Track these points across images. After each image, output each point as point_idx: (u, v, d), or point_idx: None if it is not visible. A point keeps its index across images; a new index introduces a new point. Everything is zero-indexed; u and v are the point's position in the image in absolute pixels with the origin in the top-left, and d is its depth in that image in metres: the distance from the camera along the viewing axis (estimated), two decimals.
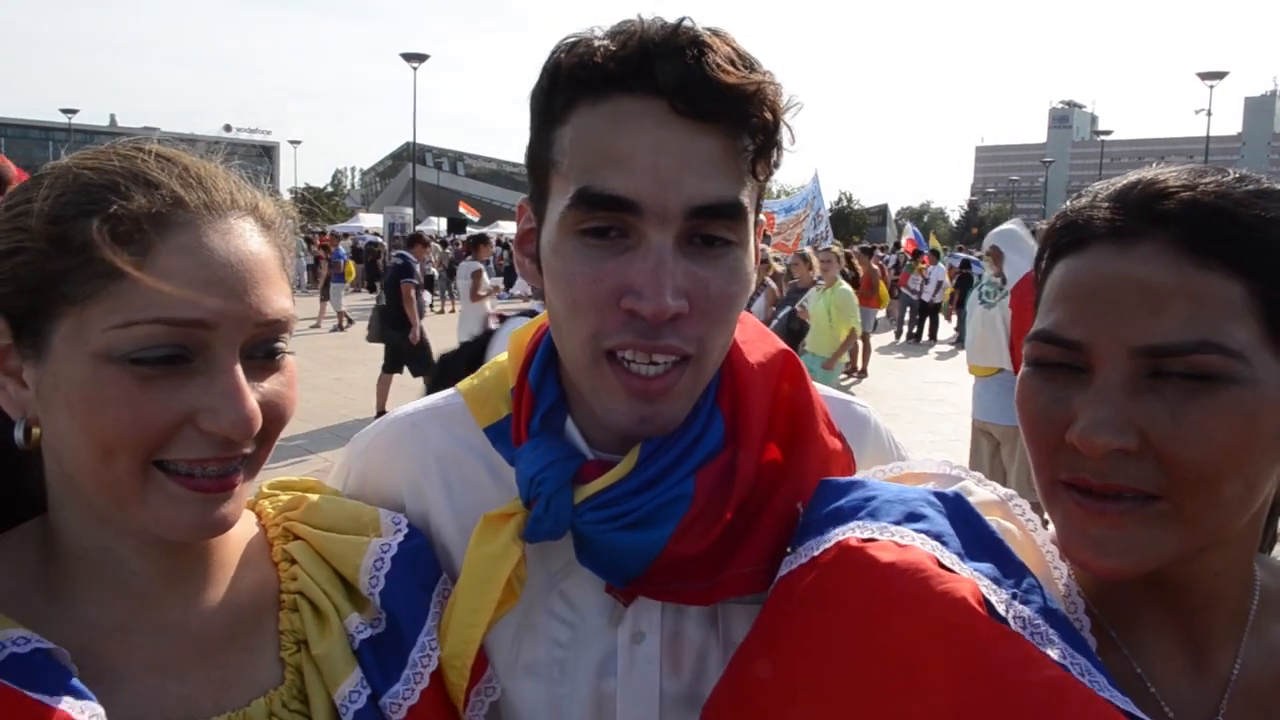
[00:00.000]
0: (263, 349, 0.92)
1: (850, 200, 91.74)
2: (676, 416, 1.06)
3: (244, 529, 1.08)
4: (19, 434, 0.91)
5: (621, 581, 1.08)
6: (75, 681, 0.84)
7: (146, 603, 0.96)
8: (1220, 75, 42.55)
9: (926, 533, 0.94)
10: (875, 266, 18.27)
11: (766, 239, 16.61)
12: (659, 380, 1.01)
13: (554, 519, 1.06)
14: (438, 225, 45.71)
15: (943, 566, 0.90)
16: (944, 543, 0.93)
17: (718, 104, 0.95)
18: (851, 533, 0.96)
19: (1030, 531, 1.01)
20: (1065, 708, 0.79)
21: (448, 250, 29.95)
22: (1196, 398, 0.82)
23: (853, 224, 71.11)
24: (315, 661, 1.01)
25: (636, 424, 1.04)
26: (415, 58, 39.90)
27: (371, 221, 46.65)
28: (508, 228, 38.28)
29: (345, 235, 37.55)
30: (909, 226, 31.92)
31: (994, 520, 1.00)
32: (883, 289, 17.97)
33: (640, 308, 0.96)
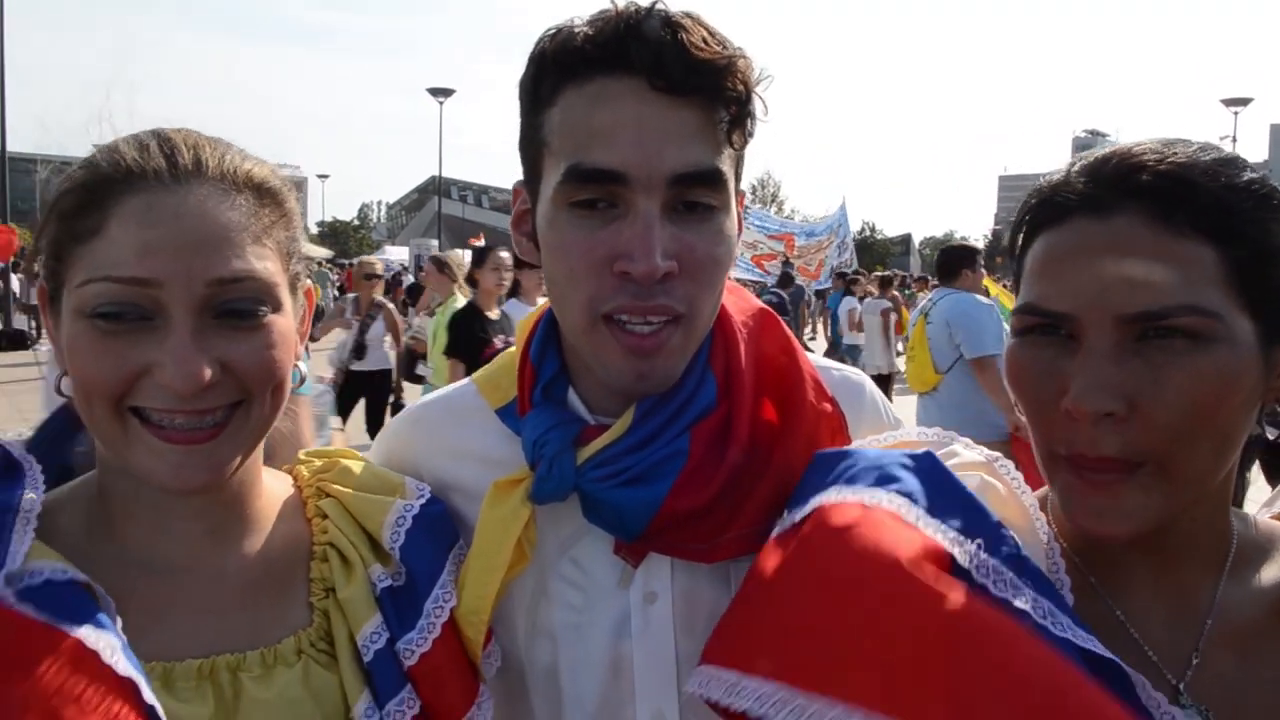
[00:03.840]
0: (230, 308, 0.97)
1: (874, 230, 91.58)
2: (671, 373, 1.13)
3: (282, 488, 1.18)
4: (54, 381, 1.03)
5: (628, 537, 1.14)
6: (102, 616, 0.90)
7: (190, 548, 1.05)
8: (1244, 102, 42.32)
9: (897, 492, 0.99)
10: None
11: (789, 264, 16.52)
12: (653, 337, 1.08)
13: (558, 479, 1.13)
14: (463, 257, 45.93)
15: (906, 522, 0.95)
16: (913, 500, 0.99)
17: (692, 78, 1.04)
18: (826, 498, 1.02)
19: (1015, 489, 1.07)
20: (993, 643, 0.85)
21: None
22: (1179, 359, 0.88)
23: (876, 253, 70.91)
24: (341, 605, 1.09)
25: (635, 380, 1.11)
26: (441, 92, 40.45)
27: (397, 254, 47.12)
28: None
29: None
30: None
31: (978, 475, 1.06)
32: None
33: (632, 269, 1.04)
